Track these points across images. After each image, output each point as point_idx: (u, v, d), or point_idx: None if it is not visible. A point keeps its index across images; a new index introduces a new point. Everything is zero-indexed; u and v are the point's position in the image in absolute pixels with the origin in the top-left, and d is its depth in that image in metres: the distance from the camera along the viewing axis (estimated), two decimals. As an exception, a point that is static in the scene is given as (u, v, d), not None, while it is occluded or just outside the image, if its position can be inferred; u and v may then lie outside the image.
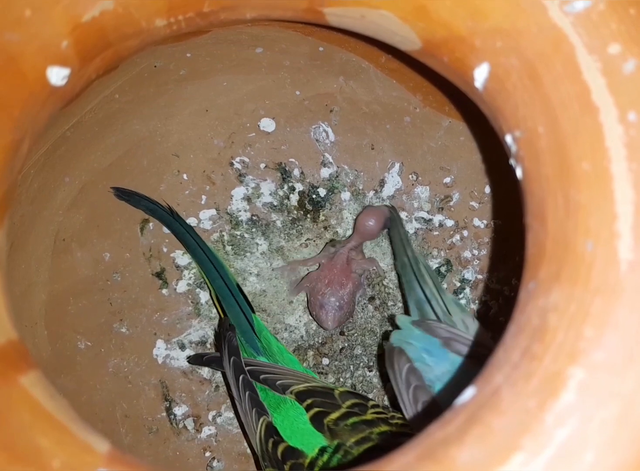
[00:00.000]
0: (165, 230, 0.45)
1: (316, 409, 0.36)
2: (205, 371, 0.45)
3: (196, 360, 0.43)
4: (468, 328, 0.39)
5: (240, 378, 0.38)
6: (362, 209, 0.45)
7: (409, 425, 0.37)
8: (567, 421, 0.20)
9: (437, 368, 0.37)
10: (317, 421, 0.36)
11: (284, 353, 0.43)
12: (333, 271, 0.44)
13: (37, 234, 0.41)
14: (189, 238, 0.43)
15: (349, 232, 0.46)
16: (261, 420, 0.37)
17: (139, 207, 0.44)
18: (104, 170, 0.43)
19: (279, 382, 0.38)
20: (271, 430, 0.36)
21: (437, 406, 0.36)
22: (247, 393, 0.38)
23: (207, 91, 0.43)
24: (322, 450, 0.35)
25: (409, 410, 0.37)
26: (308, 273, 0.45)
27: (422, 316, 0.40)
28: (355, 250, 0.44)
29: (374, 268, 0.45)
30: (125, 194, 0.43)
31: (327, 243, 0.46)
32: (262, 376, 0.38)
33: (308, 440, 0.36)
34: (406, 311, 0.43)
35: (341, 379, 0.45)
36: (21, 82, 0.26)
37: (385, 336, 0.45)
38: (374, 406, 0.37)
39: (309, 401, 0.37)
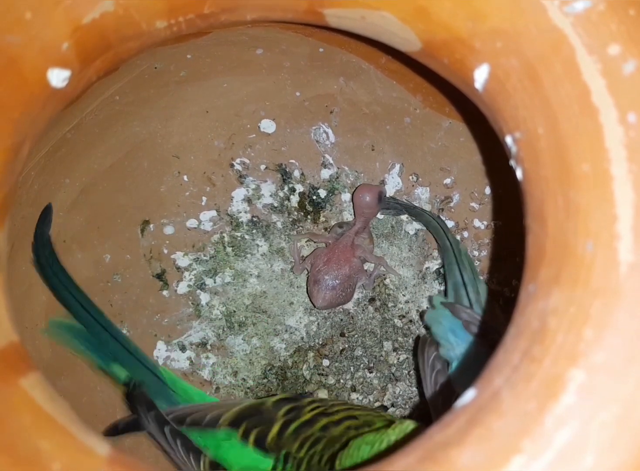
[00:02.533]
0: (167, 231, 0.45)
1: (254, 431, 0.35)
2: (205, 373, 0.45)
3: (112, 432, 0.40)
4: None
5: (167, 429, 0.36)
6: (355, 188, 0.45)
7: (351, 408, 0.36)
8: (567, 424, 0.20)
9: (458, 347, 0.39)
10: (259, 444, 0.34)
11: (205, 397, 0.42)
12: (334, 251, 0.44)
13: (38, 235, 0.41)
14: (71, 300, 0.40)
15: (350, 233, 0.46)
16: (201, 461, 0.35)
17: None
18: (105, 172, 0.43)
19: (207, 418, 0.36)
20: (216, 466, 0.35)
21: (450, 384, 0.38)
22: (177, 441, 0.36)
23: (207, 92, 0.43)
24: (274, 469, 0.34)
25: (429, 390, 0.39)
26: (314, 250, 0.45)
27: (457, 298, 0.42)
28: (361, 235, 0.44)
29: (381, 266, 0.45)
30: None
31: (335, 224, 0.46)
32: (188, 419, 0.37)
33: (257, 465, 0.34)
34: (446, 293, 0.44)
35: (341, 381, 0.45)
36: (22, 84, 0.26)
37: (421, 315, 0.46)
38: (310, 403, 0.36)
39: (243, 426, 0.35)
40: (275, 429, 0.35)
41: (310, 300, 0.44)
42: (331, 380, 0.45)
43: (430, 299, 0.45)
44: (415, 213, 0.45)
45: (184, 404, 0.40)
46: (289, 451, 0.34)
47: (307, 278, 0.45)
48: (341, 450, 0.31)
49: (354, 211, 0.45)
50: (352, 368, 0.45)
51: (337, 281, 0.43)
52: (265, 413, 0.36)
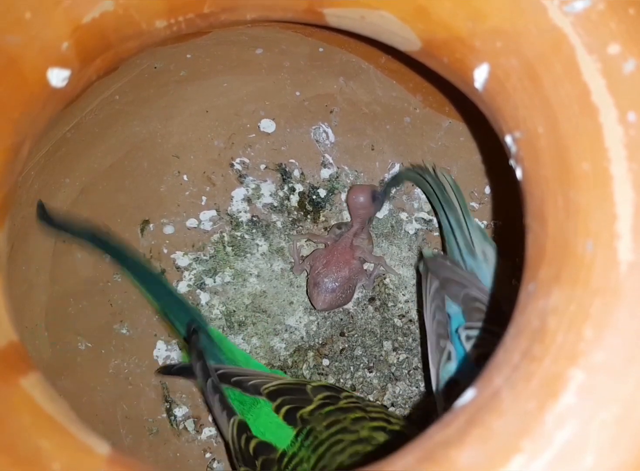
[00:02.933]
0: (167, 231, 0.45)
1: (287, 406, 0.36)
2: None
3: (166, 371, 0.43)
4: (487, 259, 0.39)
5: (209, 382, 0.38)
6: (348, 190, 0.45)
7: (385, 413, 0.37)
8: (567, 423, 0.20)
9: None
10: (289, 417, 0.36)
11: (249, 359, 0.43)
12: (333, 252, 0.44)
13: (38, 235, 0.41)
14: (129, 262, 0.41)
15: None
16: (232, 420, 0.37)
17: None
18: (105, 171, 0.43)
19: (250, 383, 0.38)
20: (243, 428, 0.37)
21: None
22: (216, 396, 0.38)
23: (207, 92, 0.43)
24: (294, 441, 0.35)
25: (428, 321, 0.39)
26: (314, 251, 0.45)
27: (449, 247, 0.41)
28: (360, 236, 0.44)
29: (380, 266, 0.45)
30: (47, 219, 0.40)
31: (333, 225, 0.46)
32: (233, 379, 0.38)
33: (280, 434, 0.36)
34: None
35: (341, 380, 0.45)
36: (22, 84, 0.26)
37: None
38: (347, 397, 0.37)
39: (279, 400, 0.37)
40: (309, 408, 0.36)
41: (311, 302, 0.44)
42: (331, 380, 0.45)
43: (421, 254, 0.43)
44: (397, 180, 0.45)
45: (228, 363, 0.41)
46: (313, 428, 0.35)
47: (307, 279, 0.45)
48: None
49: (349, 213, 0.45)
50: (351, 367, 0.45)
51: (336, 284, 0.43)
52: (304, 393, 0.37)
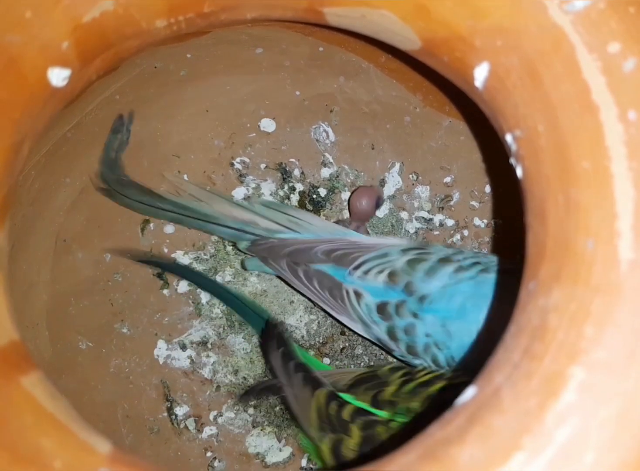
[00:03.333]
0: (167, 230, 0.45)
1: (371, 392, 0.36)
2: (206, 371, 0.45)
3: (246, 396, 0.44)
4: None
5: (291, 364, 0.38)
6: (353, 191, 0.45)
7: (462, 375, 0.36)
8: (567, 421, 0.20)
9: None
10: (375, 402, 0.35)
11: (318, 363, 0.43)
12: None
13: (38, 235, 0.41)
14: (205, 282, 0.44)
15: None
16: (317, 392, 0.37)
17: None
18: (105, 171, 0.43)
19: (330, 381, 0.38)
20: (332, 396, 0.36)
21: None
22: (299, 373, 0.38)
23: (207, 91, 0.43)
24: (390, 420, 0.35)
25: (313, 291, 0.39)
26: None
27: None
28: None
29: None
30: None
31: (333, 222, 0.45)
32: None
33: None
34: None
35: (342, 379, 0.45)
36: (22, 84, 0.26)
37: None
38: (420, 371, 0.37)
39: (361, 388, 0.37)
40: (391, 389, 0.36)
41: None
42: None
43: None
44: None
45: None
46: (408, 407, 0.34)
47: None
48: None
49: (349, 211, 0.45)
50: (352, 366, 0.45)
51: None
52: (381, 377, 0.37)
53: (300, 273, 0.40)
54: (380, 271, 0.37)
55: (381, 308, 0.37)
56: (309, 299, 0.43)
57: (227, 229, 0.41)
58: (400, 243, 0.39)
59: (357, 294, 0.38)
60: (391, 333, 0.37)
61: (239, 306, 0.43)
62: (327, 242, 0.40)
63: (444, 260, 0.37)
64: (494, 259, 0.37)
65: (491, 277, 0.35)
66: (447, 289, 0.36)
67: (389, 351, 0.40)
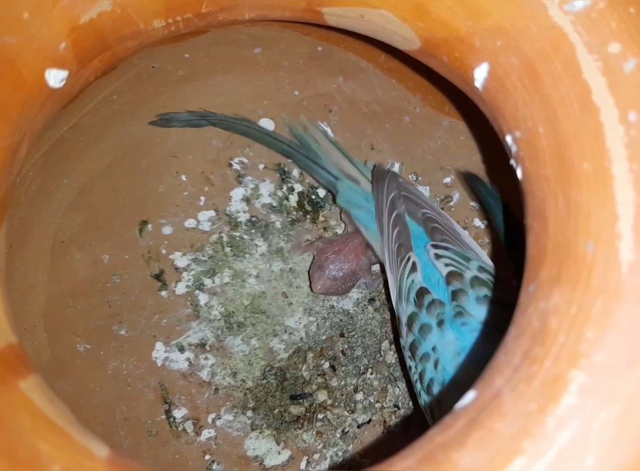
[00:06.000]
0: (165, 231, 0.45)
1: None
2: (204, 374, 0.45)
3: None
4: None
5: (394, 214, 0.39)
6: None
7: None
8: (568, 425, 0.20)
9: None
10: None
11: None
12: (347, 243, 0.44)
13: (36, 236, 0.41)
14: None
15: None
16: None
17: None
18: (103, 171, 0.43)
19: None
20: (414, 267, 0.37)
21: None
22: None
23: (205, 91, 0.43)
24: None
25: (387, 228, 0.40)
26: (322, 237, 0.45)
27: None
28: None
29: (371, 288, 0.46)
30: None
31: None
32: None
33: None
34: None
35: (342, 382, 0.45)
36: (19, 85, 0.26)
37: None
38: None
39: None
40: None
41: (310, 282, 0.44)
42: (333, 381, 0.45)
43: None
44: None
45: None
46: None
47: (312, 260, 0.45)
48: None
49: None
50: (351, 368, 0.45)
51: (340, 273, 0.43)
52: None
53: (393, 214, 0.40)
54: (448, 264, 0.37)
55: (420, 293, 0.37)
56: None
57: (327, 174, 0.43)
58: (486, 261, 0.39)
59: (414, 267, 0.38)
60: (411, 320, 0.37)
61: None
62: (435, 212, 0.40)
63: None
64: None
65: None
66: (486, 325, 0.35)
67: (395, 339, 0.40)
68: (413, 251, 0.39)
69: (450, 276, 0.36)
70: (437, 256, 0.38)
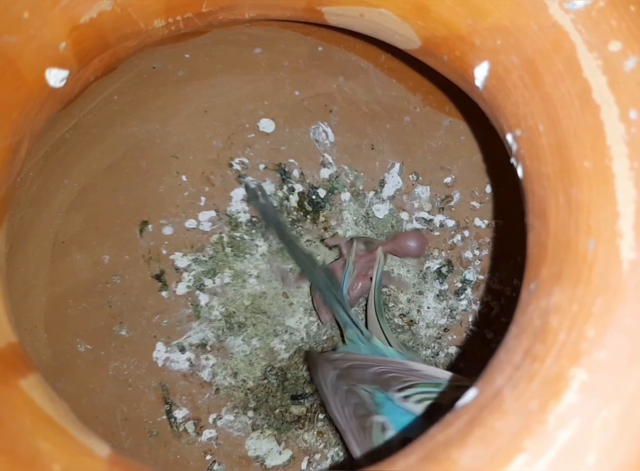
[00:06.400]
0: (166, 231, 0.45)
1: None
2: (205, 374, 0.45)
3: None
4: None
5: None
6: (409, 231, 0.45)
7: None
8: (569, 423, 0.20)
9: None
10: None
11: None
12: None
13: (36, 236, 0.41)
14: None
15: (349, 233, 0.46)
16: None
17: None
18: (103, 172, 0.43)
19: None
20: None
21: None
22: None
23: (206, 91, 0.43)
24: None
25: (338, 411, 0.37)
26: (327, 264, 0.45)
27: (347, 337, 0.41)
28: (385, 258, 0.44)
29: (392, 284, 0.45)
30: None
31: (359, 238, 0.45)
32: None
33: None
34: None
35: (342, 381, 0.45)
36: (19, 85, 0.26)
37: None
38: None
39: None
40: None
41: (317, 315, 0.44)
42: (332, 380, 0.45)
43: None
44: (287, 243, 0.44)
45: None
46: None
47: (312, 293, 0.45)
48: None
49: (396, 249, 0.44)
50: (352, 368, 0.45)
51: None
52: None
53: (339, 392, 0.38)
54: (420, 401, 0.35)
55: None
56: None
57: (346, 316, 0.41)
58: (459, 378, 0.36)
59: (384, 427, 0.36)
60: None
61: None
62: (384, 364, 0.38)
63: None
64: None
65: None
66: None
67: None
68: (376, 414, 0.36)
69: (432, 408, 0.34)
70: (405, 398, 0.35)
